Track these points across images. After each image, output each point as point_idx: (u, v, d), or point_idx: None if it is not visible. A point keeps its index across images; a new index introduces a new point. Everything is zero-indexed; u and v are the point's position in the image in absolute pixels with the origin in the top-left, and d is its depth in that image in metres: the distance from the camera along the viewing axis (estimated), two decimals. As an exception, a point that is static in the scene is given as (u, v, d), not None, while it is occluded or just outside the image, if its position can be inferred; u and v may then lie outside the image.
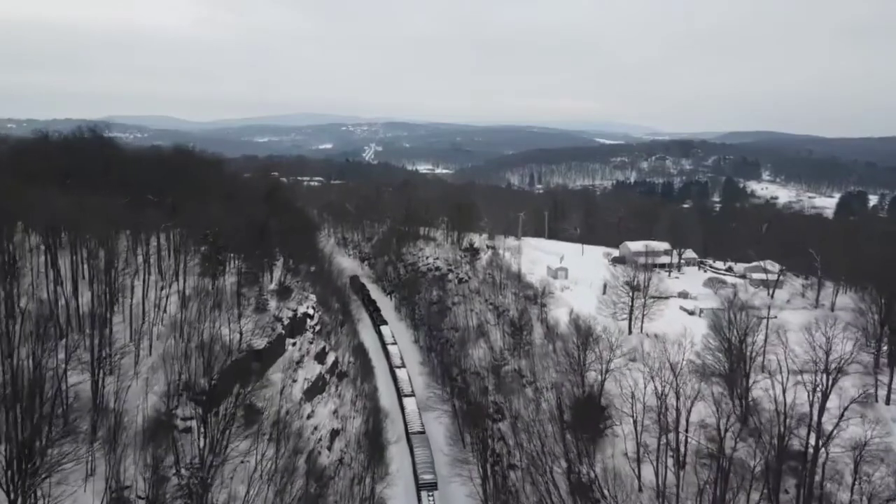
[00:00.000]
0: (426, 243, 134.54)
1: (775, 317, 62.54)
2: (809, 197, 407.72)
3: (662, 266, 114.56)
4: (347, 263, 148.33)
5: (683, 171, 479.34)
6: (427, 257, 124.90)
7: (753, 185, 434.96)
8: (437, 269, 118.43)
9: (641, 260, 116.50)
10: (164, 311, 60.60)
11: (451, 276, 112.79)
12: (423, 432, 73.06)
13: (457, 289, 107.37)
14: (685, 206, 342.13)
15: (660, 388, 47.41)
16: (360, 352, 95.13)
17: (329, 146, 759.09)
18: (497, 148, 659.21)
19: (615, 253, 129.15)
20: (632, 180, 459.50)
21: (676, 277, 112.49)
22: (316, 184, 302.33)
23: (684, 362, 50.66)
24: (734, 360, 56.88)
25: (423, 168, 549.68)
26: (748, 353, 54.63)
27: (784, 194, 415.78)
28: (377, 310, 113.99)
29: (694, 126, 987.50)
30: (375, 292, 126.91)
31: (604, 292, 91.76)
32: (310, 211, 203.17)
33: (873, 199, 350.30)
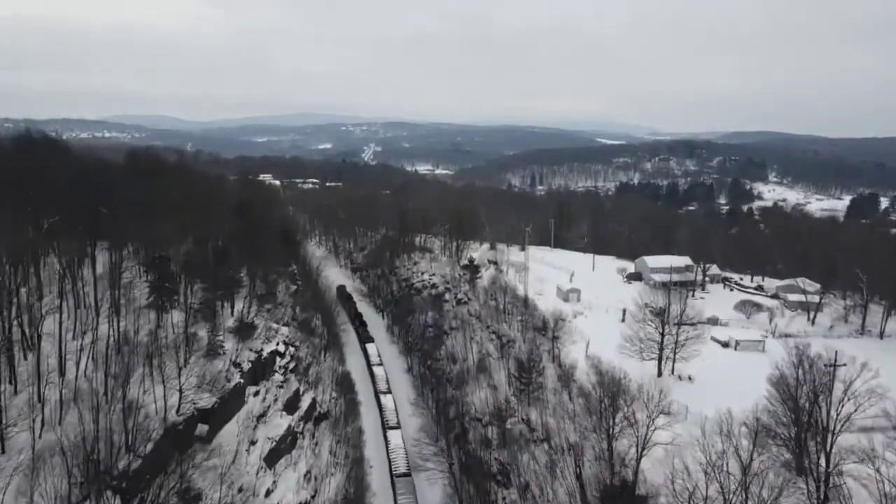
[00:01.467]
0: (422, 255, 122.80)
1: (844, 364, 50.22)
2: (818, 199, 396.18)
3: (684, 285, 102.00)
4: (337, 275, 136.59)
5: (688, 173, 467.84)
6: (422, 273, 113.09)
7: (760, 187, 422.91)
8: (434, 286, 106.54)
9: (660, 277, 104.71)
10: (91, 359, 48.70)
11: (448, 295, 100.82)
12: (408, 474, 62.70)
13: (455, 311, 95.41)
14: (691, 208, 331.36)
15: (730, 488, 35.28)
16: (344, 382, 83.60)
17: (328, 146, 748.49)
18: (497, 148, 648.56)
19: (630, 267, 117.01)
20: (635, 181, 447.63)
21: (702, 298, 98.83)
22: (310, 186, 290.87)
23: (754, 443, 38.57)
24: (803, 428, 44.86)
25: (423, 168, 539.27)
26: (832, 428, 41.80)
27: (792, 196, 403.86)
28: (363, 324, 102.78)
29: (695, 126, 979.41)
30: (367, 308, 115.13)
31: (622, 320, 79.96)
32: (301, 216, 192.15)
33: (884, 202, 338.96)
